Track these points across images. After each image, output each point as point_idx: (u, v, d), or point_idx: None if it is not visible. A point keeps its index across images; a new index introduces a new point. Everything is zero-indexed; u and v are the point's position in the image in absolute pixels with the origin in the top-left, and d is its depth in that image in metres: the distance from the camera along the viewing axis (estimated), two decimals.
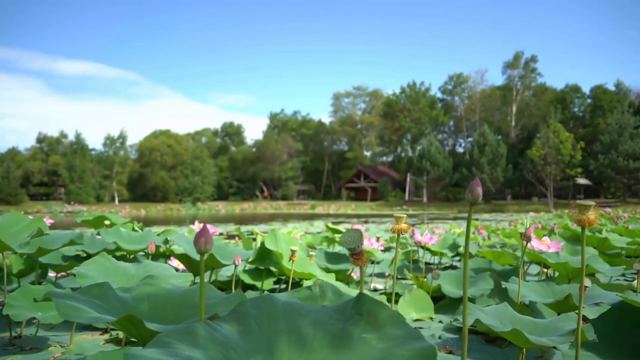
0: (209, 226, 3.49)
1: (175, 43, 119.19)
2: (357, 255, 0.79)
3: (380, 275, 4.05)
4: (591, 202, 1.02)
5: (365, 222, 17.72)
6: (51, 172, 56.08)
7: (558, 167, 38.91)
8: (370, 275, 3.57)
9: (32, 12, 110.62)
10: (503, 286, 2.10)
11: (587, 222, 1.03)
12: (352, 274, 3.96)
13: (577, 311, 1.87)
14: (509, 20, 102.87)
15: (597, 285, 2.43)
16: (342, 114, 67.49)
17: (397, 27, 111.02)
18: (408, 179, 51.38)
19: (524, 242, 1.82)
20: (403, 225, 1.24)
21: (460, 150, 56.07)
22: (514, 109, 49.54)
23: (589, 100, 48.07)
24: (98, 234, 2.50)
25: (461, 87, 53.60)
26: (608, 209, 23.35)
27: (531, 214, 24.58)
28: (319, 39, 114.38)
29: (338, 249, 4.62)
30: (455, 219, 21.55)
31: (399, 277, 3.78)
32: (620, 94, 46.26)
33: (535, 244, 2.45)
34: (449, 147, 57.83)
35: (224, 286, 3.36)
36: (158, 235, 2.69)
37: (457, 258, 4.85)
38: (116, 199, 52.00)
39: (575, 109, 48.71)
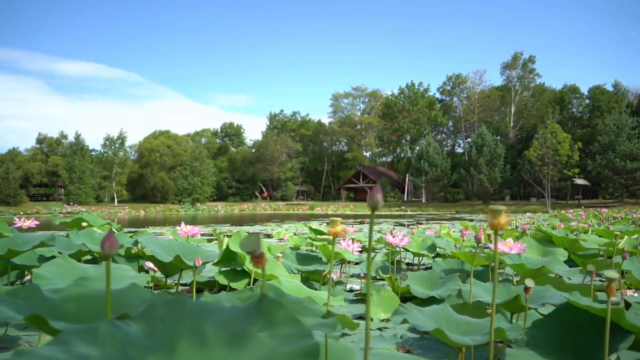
0: (190, 227, 3.51)
1: (176, 44, 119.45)
2: (256, 258, 0.84)
3: (358, 275, 4.10)
4: (502, 207, 1.07)
5: (361, 222, 17.77)
6: (51, 173, 56.17)
7: (556, 168, 38.93)
8: (347, 276, 3.61)
9: (34, 13, 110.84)
10: (459, 287, 2.14)
11: (499, 226, 1.07)
12: (333, 275, 4.01)
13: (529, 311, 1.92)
14: (507, 20, 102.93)
15: (563, 286, 2.48)
16: (341, 115, 67.58)
17: (396, 27, 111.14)
18: (407, 180, 51.43)
19: (476, 244, 1.87)
20: (338, 229, 1.29)
21: (460, 150, 56.10)
22: (513, 109, 49.57)
23: (587, 101, 48.10)
24: (67, 235, 2.55)
25: (460, 88, 53.64)
26: (604, 210, 23.39)
27: (528, 214, 24.63)
28: (319, 40, 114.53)
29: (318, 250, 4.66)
30: (451, 219, 21.59)
31: (378, 277, 3.83)
32: (619, 94, 46.30)
33: (501, 245, 2.50)
34: (448, 148, 57.86)
35: (204, 286, 3.41)
36: (131, 237, 2.74)
37: (440, 259, 4.90)
38: (115, 200, 52.05)
39: (574, 110, 48.73)
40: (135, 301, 1.08)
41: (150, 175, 55.68)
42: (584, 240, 3.32)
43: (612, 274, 1.01)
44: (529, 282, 1.67)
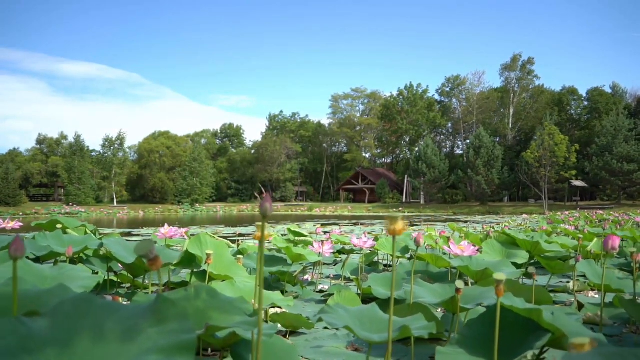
0: (174, 228, 3.59)
1: (178, 45, 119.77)
2: (151, 261, 0.93)
3: (337, 277, 4.19)
4: (399, 214, 1.16)
5: (355, 224, 17.86)
6: (51, 174, 56.32)
7: (553, 170, 38.99)
8: (317, 278, 3.70)
9: (36, 13, 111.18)
10: (403, 289, 2.23)
11: (396, 231, 1.17)
12: (308, 277, 4.10)
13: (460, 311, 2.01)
14: (507, 22, 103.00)
15: (516, 287, 2.56)
16: (340, 116, 67.70)
17: (395, 29, 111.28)
18: (405, 181, 51.50)
19: (416, 247, 1.96)
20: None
21: (459, 152, 56.17)
22: (512, 111, 49.63)
23: (585, 103, 48.16)
24: (33, 237, 2.64)
25: (459, 89, 53.72)
26: (600, 212, 23.42)
27: (524, 215, 24.68)
28: (319, 41, 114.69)
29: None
30: (447, 220, 21.68)
31: (352, 279, 3.92)
32: (617, 96, 46.36)
33: (452, 248, 2.59)
34: (448, 149, 57.93)
35: (178, 286, 3.50)
36: (100, 239, 2.83)
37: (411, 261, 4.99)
38: (115, 200, 52.18)
39: (572, 112, 48.78)
40: (56, 300, 1.17)
41: (150, 176, 55.82)
42: (549, 243, 3.40)
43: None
44: (459, 284, 1.76)
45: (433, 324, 1.41)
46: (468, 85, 53.31)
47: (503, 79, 51.03)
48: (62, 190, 51.38)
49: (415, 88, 54.37)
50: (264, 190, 61.60)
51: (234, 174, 61.94)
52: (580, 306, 2.80)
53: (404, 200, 51.53)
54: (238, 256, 2.56)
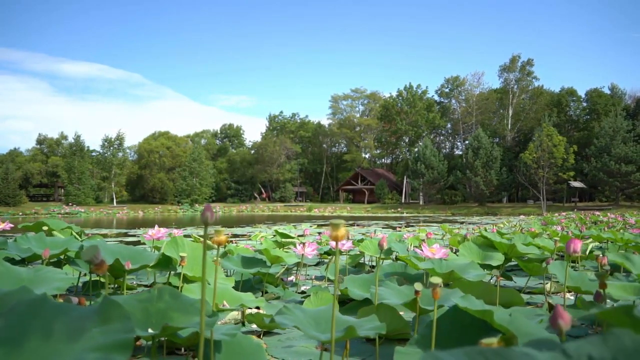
0: (157, 230, 3.65)
1: (179, 45, 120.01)
2: (96, 266, 1.00)
3: (321, 278, 4.26)
4: (341, 221, 1.23)
5: (352, 224, 17.93)
6: (51, 174, 56.45)
7: (551, 171, 39.05)
8: (302, 279, 3.77)
9: (37, 14, 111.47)
10: (371, 291, 2.30)
11: (338, 237, 1.24)
12: (293, 277, 4.17)
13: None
14: (506, 23, 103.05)
15: (479, 288, 2.62)
16: (340, 116, 67.77)
17: (395, 29, 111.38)
18: (405, 182, 51.55)
19: (380, 250, 2.03)
20: (222, 238, 1.44)
21: (459, 152, 56.24)
22: (511, 112, 49.67)
23: (584, 104, 48.20)
24: (15, 240, 2.71)
25: (458, 90, 53.77)
26: (597, 213, 23.41)
27: (521, 216, 24.73)
28: (318, 42, 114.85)
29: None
30: (443, 221, 21.75)
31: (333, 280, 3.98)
32: (615, 97, 46.40)
33: (424, 250, 2.66)
34: (447, 150, 57.98)
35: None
36: (81, 241, 2.90)
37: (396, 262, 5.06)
38: (114, 201, 52.28)
39: (571, 113, 48.82)
40: (15, 301, 1.24)
41: (150, 177, 55.91)
42: (527, 245, 3.47)
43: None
44: (418, 286, 1.82)
45: (383, 325, 1.48)
46: (467, 86, 53.40)
47: (502, 80, 51.12)
48: (62, 190, 51.49)
49: (414, 89, 54.44)
50: (263, 191, 61.71)
51: (234, 174, 62.03)
52: (551, 307, 2.87)
53: (403, 200, 51.59)
54: (214, 258, 2.63)
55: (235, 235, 10.74)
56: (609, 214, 17.77)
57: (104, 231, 12.47)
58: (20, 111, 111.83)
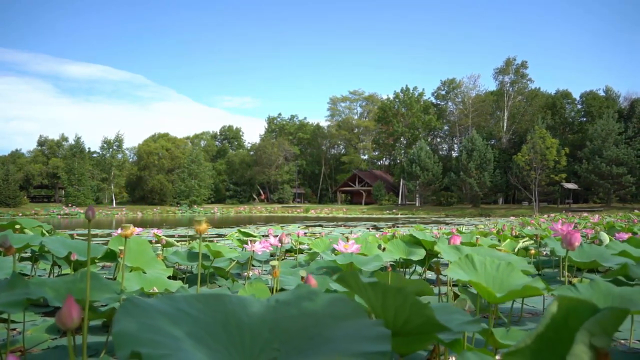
0: (137, 229, 4.08)
1: (182, 46, 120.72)
2: (6, 249, 1.42)
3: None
4: (203, 218, 1.64)
5: (339, 225, 18.33)
6: (51, 175, 56.98)
7: (543, 173, 39.39)
8: (248, 273, 4.17)
9: (41, 15, 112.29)
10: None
11: (201, 231, 1.65)
12: (257, 271, 4.58)
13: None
14: (502, 25, 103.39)
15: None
16: (338, 118, 68.20)
17: (392, 32, 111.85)
18: (401, 183, 51.94)
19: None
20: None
21: (456, 154, 56.61)
22: (506, 114, 50.03)
23: (579, 106, 48.53)
24: None
25: (454, 93, 54.17)
26: (586, 214, 23.69)
27: (512, 218, 25.11)
28: (317, 44, 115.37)
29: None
30: (434, 222, 22.16)
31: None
32: (610, 99, 46.72)
33: (340, 246, 3.07)
34: (444, 152, 58.35)
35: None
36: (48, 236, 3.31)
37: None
38: (114, 202, 52.76)
39: (566, 115, 49.16)
40: None
41: (149, 178, 56.39)
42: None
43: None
44: (302, 273, 2.24)
45: None
46: (463, 89, 53.82)
47: (497, 83, 51.52)
48: (63, 191, 52.03)
49: (411, 91, 54.87)
50: (262, 192, 62.14)
51: (233, 175, 62.50)
52: (456, 296, 3.27)
53: (400, 202, 51.97)
54: (158, 252, 3.04)
55: (219, 235, 11.17)
56: (592, 215, 18.14)
57: (96, 231, 12.90)
58: (24, 112, 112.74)
